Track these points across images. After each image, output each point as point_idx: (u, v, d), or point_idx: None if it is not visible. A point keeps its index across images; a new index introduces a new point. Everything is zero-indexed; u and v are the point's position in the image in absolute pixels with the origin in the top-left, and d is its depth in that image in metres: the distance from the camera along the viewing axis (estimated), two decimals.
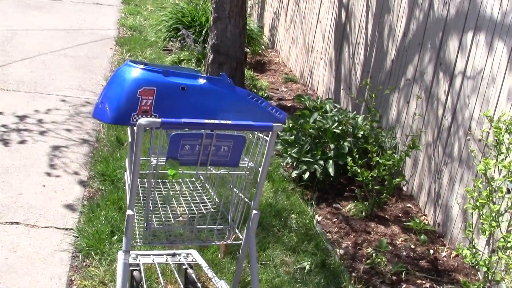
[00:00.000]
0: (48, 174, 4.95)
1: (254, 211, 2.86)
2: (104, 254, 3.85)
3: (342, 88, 6.87)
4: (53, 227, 4.19)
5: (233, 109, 2.84)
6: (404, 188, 5.26)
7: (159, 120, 2.44)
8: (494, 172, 3.79)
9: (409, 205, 5.00)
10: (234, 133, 2.69)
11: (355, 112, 5.79)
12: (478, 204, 3.34)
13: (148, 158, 2.74)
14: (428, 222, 4.73)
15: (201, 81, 2.80)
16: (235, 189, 2.94)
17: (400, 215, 4.84)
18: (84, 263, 3.81)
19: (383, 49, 5.86)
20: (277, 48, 9.69)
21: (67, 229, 4.19)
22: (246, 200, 2.87)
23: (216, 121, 2.53)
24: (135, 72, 2.72)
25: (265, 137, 2.74)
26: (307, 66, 8.15)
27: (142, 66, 2.75)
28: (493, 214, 3.28)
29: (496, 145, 3.42)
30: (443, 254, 4.35)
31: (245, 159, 2.83)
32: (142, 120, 2.44)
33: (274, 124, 2.62)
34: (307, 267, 3.95)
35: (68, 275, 3.69)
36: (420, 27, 5.17)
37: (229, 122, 2.54)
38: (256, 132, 2.78)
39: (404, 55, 5.39)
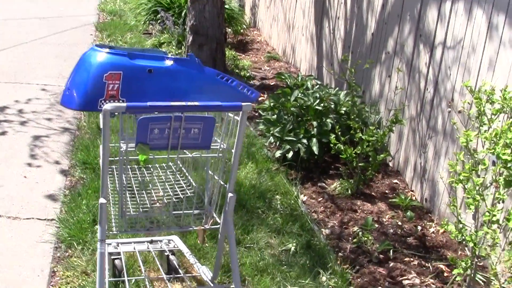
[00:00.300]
0: (29, 165, 4.88)
1: (230, 194, 2.80)
2: (86, 244, 3.79)
3: (324, 64, 6.79)
4: (35, 218, 4.13)
5: (202, 90, 2.78)
6: (390, 164, 5.20)
7: (124, 104, 2.39)
8: (477, 145, 3.73)
9: (395, 181, 4.94)
10: (206, 114, 2.63)
11: (337, 88, 5.71)
12: (461, 177, 3.27)
13: (118, 144, 2.68)
14: (415, 198, 4.68)
15: (168, 62, 2.75)
16: (210, 172, 2.89)
17: (386, 191, 4.78)
18: (67, 254, 3.75)
19: (362, 22, 5.77)
20: (259, 27, 9.60)
21: (49, 219, 4.12)
22: (222, 183, 2.82)
23: (183, 103, 2.46)
24: (101, 56, 2.66)
25: (235, 117, 2.68)
26: (289, 43, 8.07)
27: (107, 50, 2.69)
28: (477, 188, 3.22)
29: (477, 116, 3.35)
30: (431, 230, 4.29)
31: (218, 140, 2.77)
32: (108, 105, 2.39)
33: (243, 104, 2.55)
34: (292, 248, 3.89)
35: (50, 266, 3.63)
36: None
37: (196, 103, 2.48)
38: (227, 113, 2.72)
39: (384, 28, 5.31)
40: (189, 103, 2.46)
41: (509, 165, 3.08)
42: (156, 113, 2.49)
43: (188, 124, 2.54)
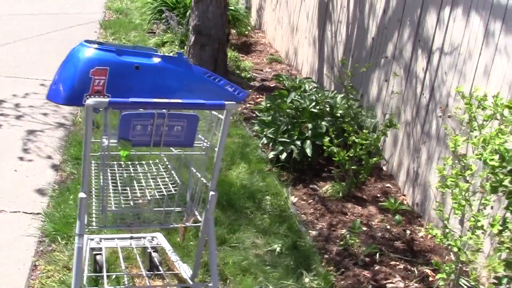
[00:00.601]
0: (21, 159, 4.87)
1: (212, 192, 2.77)
2: (70, 239, 3.77)
3: (325, 67, 6.76)
4: (21, 212, 4.11)
5: (189, 88, 2.76)
6: (384, 168, 5.17)
7: (106, 100, 2.37)
8: (467, 150, 3.69)
9: (388, 185, 4.90)
10: (192, 112, 2.60)
11: (335, 91, 5.68)
12: (448, 183, 3.24)
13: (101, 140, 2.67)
14: (406, 202, 4.64)
15: (156, 60, 2.73)
16: (193, 170, 2.86)
17: (378, 195, 4.74)
18: (50, 248, 3.73)
19: (364, 26, 5.74)
20: (264, 29, 9.58)
21: (35, 213, 4.10)
22: (205, 181, 2.79)
23: (166, 100, 2.44)
24: (89, 51, 2.66)
25: (219, 115, 2.66)
26: (292, 46, 8.05)
27: (96, 45, 2.68)
28: (463, 193, 3.18)
29: (468, 122, 3.32)
30: (420, 234, 4.25)
31: (202, 138, 2.75)
32: (90, 100, 2.37)
33: (226, 103, 2.52)
34: (278, 249, 3.85)
35: (32, 260, 3.61)
36: (399, 3, 5.05)
37: (179, 100, 2.45)
38: (212, 111, 2.70)
39: (384, 33, 5.28)
40: (172, 100, 2.44)
41: (496, 170, 3.04)
42: (141, 109, 2.47)
43: (171, 121, 2.52)
